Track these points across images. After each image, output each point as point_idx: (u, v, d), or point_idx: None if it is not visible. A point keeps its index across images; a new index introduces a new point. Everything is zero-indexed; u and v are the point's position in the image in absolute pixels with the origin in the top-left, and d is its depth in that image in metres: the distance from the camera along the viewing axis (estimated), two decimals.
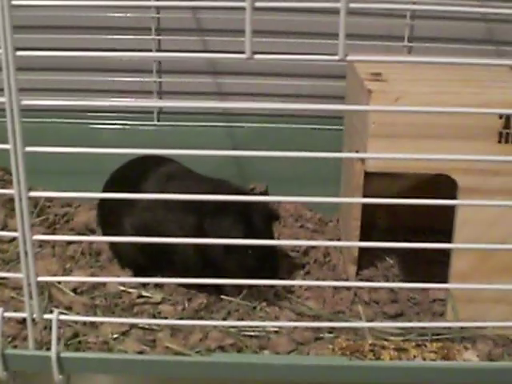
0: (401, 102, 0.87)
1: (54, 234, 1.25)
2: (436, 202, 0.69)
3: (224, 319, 0.99)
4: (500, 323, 0.74)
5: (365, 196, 1.03)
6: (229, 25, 1.35)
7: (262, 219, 1.02)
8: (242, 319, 0.99)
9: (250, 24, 0.50)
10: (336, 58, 0.49)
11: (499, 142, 0.89)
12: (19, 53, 0.56)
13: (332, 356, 0.81)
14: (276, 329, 0.96)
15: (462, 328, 0.93)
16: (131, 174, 1.12)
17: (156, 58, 1.40)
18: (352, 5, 0.51)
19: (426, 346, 0.82)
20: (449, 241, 0.95)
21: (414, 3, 1.34)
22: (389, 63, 1.07)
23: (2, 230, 1.25)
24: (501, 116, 0.88)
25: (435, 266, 1.10)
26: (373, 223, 1.20)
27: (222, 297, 1.04)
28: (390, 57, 0.55)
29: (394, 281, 1.12)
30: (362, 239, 1.07)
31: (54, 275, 1.08)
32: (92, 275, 1.09)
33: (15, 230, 1.21)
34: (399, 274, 1.13)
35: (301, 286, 1.06)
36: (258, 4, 0.50)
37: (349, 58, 0.50)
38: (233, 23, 1.34)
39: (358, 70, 1.03)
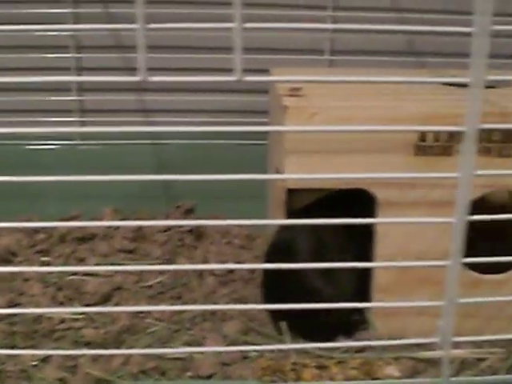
0: (317, 118, 0.87)
1: None
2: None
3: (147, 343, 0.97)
4: (420, 340, 0.73)
5: (291, 210, 1.02)
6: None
7: None
8: (166, 342, 0.98)
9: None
10: (234, 78, 0.48)
11: (416, 154, 0.89)
12: None
13: (249, 380, 0.80)
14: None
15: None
16: None
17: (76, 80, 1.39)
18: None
19: (347, 362, 0.82)
20: None
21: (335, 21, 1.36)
22: (309, 77, 1.08)
23: None
24: None
25: None
26: None
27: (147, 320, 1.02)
28: (295, 76, 0.54)
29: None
30: None
31: None
32: (11, 300, 1.06)
33: None
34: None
35: (227, 304, 1.06)
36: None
37: (246, 78, 0.49)
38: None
39: (277, 85, 1.02)
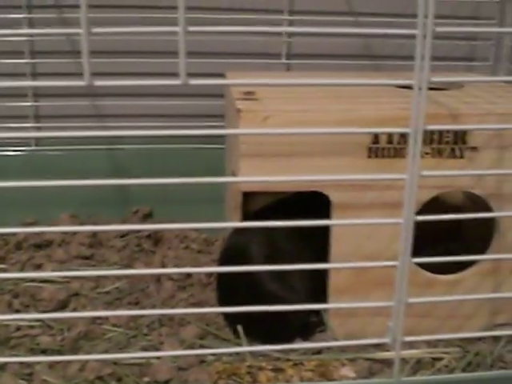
0: (270, 121, 0.87)
1: None
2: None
3: (104, 349, 0.97)
4: (370, 340, 0.73)
5: (248, 213, 1.03)
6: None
7: None
8: (123, 348, 0.97)
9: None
10: (178, 82, 0.48)
11: (369, 156, 0.90)
12: None
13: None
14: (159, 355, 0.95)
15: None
16: None
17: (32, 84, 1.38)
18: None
19: (303, 364, 0.82)
20: None
21: (291, 23, 1.37)
22: (264, 80, 1.08)
23: None
24: None
25: None
26: None
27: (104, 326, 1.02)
28: (240, 80, 0.54)
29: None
30: None
31: None
32: None
33: None
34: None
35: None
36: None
37: (191, 82, 0.49)
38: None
39: (231, 89, 1.02)
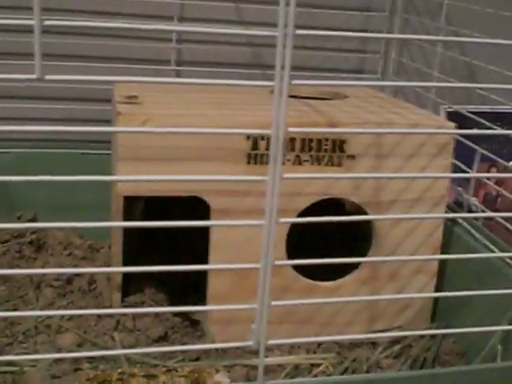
0: (148, 124, 0.86)
1: None
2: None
3: None
4: (237, 344, 0.73)
5: (131, 219, 1.01)
6: None
7: None
8: None
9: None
10: (33, 76, 0.47)
11: (248, 163, 0.90)
12: None
13: None
14: (34, 363, 0.92)
15: (217, 350, 0.93)
16: None
17: None
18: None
19: (177, 370, 0.81)
20: None
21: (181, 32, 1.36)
22: (149, 86, 1.07)
23: None
24: (248, 137, 0.89)
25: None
26: None
27: None
28: (103, 76, 0.54)
29: (162, 305, 1.10)
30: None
31: None
32: None
33: None
34: (168, 298, 1.12)
35: (62, 317, 1.03)
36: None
37: (48, 77, 0.48)
38: None
39: (115, 93, 1.01)
